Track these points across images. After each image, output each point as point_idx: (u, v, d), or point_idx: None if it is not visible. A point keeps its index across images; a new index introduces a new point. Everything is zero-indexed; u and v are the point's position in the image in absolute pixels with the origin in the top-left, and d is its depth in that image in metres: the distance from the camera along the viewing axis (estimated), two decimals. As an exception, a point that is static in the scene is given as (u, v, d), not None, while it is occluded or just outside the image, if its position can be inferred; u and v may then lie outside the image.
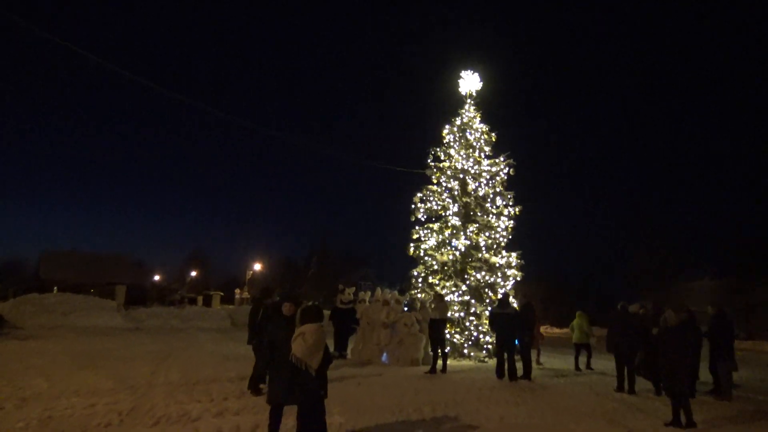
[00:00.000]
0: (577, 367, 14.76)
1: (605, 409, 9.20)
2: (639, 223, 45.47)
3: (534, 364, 15.33)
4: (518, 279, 17.29)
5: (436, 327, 13.34)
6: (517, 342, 12.59)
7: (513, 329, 12.53)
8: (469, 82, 18.96)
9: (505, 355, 12.32)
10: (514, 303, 14.97)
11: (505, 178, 18.02)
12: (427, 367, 13.16)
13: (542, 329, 18.17)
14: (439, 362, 13.03)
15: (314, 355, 5.69)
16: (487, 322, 15.98)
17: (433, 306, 13.86)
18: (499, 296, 14.49)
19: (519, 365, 12.42)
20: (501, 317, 12.71)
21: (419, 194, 17.93)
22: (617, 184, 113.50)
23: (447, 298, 15.43)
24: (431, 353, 13.54)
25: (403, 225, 18.06)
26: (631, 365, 10.86)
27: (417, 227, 17.80)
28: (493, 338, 14.91)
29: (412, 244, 17.67)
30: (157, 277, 63.67)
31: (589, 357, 15.11)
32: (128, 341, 18.22)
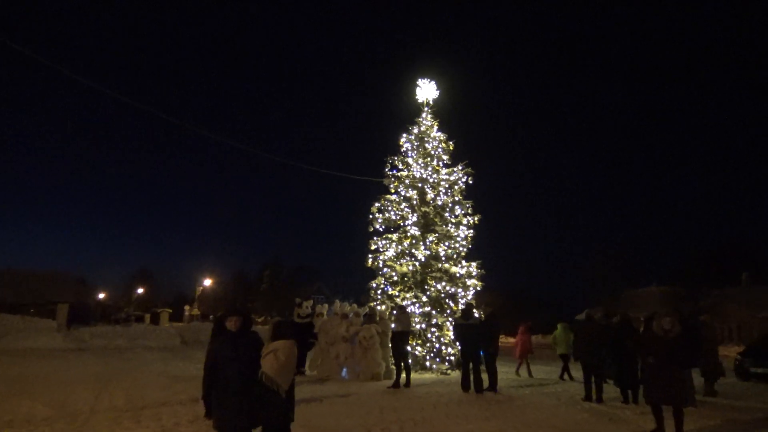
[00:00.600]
0: (561, 377, 14.79)
1: (576, 419, 8.96)
2: (589, 232, 46.67)
3: (523, 374, 15.18)
4: (478, 289, 17.10)
5: (398, 340, 12.91)
6: (482, 353, 12.31)
7: (477, 340, 12.24)
8: (426, 90, 18.84)
9: (470, 367, 12.02)
10: (476, 313, 14.74)
11: (464, 187, 17.88)
12: (389, 382, 12.73)
13: (533, 338, 18.10)
14: (403, 376, 12.61)
15: (286, 375, 5.14)
16: (449, 333, 15.70)
17: (394, 318, 13.46)
18: (462, 307, 14.23)
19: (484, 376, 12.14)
20: (465, 328, 12.40)
21: (377, 204, 17.60)
22: (569, 193, 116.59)
23: (407, 310, 15.06)
24: (393, 367, 13.11)
25: (361, 236, 17.68)
26: (599, 374, 10.71)
27: (375, 238, 17.43)
28: (456, 350, 14.61)
29: (370, 255, 17.26)
30: (101, 295, 61.31)
31: (565, 368, 15.04)
32: (69, 363, 17.11)
